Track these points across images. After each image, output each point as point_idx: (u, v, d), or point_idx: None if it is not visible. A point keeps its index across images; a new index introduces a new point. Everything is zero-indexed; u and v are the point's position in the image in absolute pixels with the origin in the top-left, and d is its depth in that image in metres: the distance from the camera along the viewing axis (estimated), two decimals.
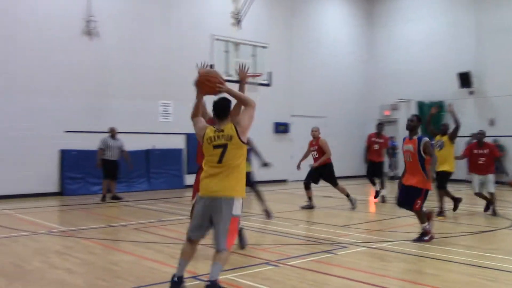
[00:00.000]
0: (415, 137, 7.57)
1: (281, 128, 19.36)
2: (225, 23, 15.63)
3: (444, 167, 10.22)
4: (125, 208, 11.95)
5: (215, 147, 4.92)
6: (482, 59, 19.42)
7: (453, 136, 10.45)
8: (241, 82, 5.56)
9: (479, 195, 10.56)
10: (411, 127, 7.67)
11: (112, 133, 13.37)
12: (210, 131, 4.98)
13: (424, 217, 7.57)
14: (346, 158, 19.76)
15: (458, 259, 6.50)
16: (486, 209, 10.61)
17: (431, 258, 6.62)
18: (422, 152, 7.43)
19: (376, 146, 12.86)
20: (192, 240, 5.01)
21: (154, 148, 16.05)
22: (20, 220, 9.97)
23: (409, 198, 7.56)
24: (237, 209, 4.93)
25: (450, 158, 10.40)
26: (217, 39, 14.16)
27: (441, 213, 10.21)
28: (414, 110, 21.20)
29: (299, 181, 17.39)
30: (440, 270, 5.97)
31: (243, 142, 4.95)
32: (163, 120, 16.48)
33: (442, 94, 20.43)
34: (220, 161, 4.91)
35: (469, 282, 5.49)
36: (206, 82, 5.17)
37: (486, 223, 9.64)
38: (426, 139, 7.51)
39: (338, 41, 21.83)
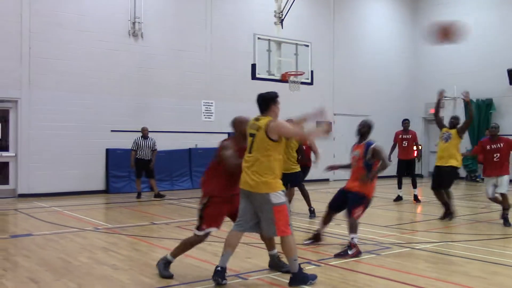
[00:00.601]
0: (364, 142, 7.05)
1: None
2: (267, 22, 15.57)
3: (452, 162, 9.54)
4: (168, 206, 12.13)
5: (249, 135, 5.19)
6: None
7: (463, 130, 9.73)
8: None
9: (494, 199, 9.52)
10: (362, 132, 7.19)
11: (144, 133, 13.58)
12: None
13: (355, 228, 6.77)
14: (392, 157, 19.39)
15: (505, 262, 6.29)
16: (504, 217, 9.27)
17: (479, 260, 6.42)
18: (367, 159, 6.88)
19: (404, 143, 12.58)
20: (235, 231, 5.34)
21: (197, 147, 16.23)
22: (68, 217, 10.27)
23: (348, 204, 6.90)
24: (276, 198, 5.03)
25: (456, 152, 9.65)
26: (259, 38, 14.14)
27: (448, 214, 9.55)
28: (460, 108, 20.65)
29: (340, 180, 17.22)
30: (488, 273, 5.79)
31: (269, 139, 5.04)
32: (206, 119, 16.66)
33: (490, 91, 19.80)
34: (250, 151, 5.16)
35: None
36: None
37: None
38: (375, 145, 6.96)
39: (382, 38, 21.50)
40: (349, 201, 6.89)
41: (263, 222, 5.11)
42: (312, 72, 14.63)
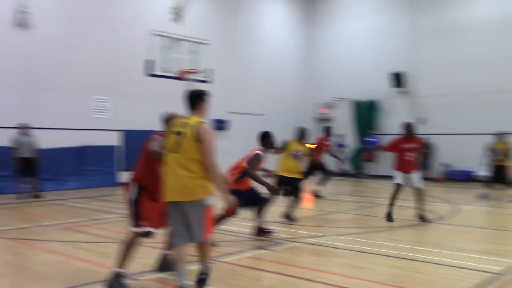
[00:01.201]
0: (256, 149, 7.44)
1: (219, 126, 19.30)
2: (164, 18, 15.36)
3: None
4: (54, 207, 11.51)
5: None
6: (415, 59, 20.18)
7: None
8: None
9: (399, 188, 9.51)
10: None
11: (23, 129, 12.81)
12: None
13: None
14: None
15: (388, 253, 6.71)
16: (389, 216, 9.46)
17: (364, 252, 6.79)
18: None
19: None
20: None
21: (87, 145, 15.52)
22: None
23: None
24: (208, 201, 4.91)
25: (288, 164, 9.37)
26: (156, 34, 13.88)
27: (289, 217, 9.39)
28: (348, 109, 21.78)
29: None
30: (372, 264, 6.13)
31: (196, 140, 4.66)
32: (97, 116, 16.00)
33: (376, 93, 21.07)
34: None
35: (397, 275, 5.68)
36: None
37: (414, 217, 9.98)
38: (257, 153, 7.30)
39: (277, 40, 22.04)
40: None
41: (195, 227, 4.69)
42: (209, 70, 14.65)
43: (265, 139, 7.63)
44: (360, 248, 7.03)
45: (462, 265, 6.06)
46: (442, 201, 12.98)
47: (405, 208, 11.44)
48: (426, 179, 19.42)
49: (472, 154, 18.09)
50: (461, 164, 18.81)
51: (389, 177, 18.43)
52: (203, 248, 4.90)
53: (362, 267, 6.01)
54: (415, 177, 9.45)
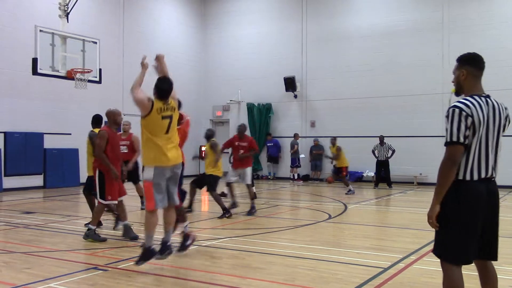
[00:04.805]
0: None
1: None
2: (51, 14, 14.53)
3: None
4: None
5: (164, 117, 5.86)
6: (305, 65, 21.01)
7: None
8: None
9: (228, 185, 10.87)
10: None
11: None
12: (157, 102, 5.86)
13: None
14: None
15: (282, 252, 6.91)
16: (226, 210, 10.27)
17: (258, 252, 6.94)
18: None
19: (241, 151, 12.93)
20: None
21: None
22: None
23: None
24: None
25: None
26: (42, 31, 13.09)
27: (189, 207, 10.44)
28: (244, 112, 22.15)
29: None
30: (266, 264, 6.28)
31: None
32: None
33: (270, 97, 21.64)
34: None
35: (291, 273, 5.86)
36: None
37: (307, 217, 10.40)
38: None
39: (172, 40, 21.82)
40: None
41: (173, 192, 6.00)
42: (100, 70, 14.17)
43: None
44: (255, 248, 7.17)
45: (352, 262, 6.41)
46: (332, 200, 13.62)
47: (297, 208, 11.87)
48: (317, 180, 20.42)
49: (360, 155, 19.26)
50: (349, 166, 19.87)
51: (287, 179, 18.97)
52: (177, 213, 6.30)
53: (257, 267, 6.14)
54: (246, 173, 10.72)
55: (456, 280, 3.49)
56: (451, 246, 3.50)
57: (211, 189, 10.12)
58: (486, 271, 3.69)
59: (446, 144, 3.46)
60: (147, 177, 5.82)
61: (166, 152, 5.80)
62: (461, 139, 3.41)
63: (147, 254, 5.83)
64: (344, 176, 15.57)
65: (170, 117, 5.88)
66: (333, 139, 16.10)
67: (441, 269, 3.60)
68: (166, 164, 5.81)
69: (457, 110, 3.42)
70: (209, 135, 10.57)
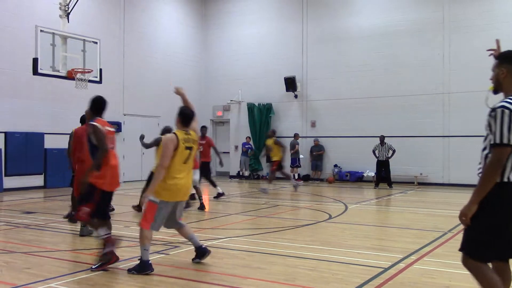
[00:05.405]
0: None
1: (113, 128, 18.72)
2: (51, 14, 14.55)
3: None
4: None
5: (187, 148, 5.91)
6: (306, 65, 21.00)
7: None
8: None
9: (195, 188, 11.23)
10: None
11: None
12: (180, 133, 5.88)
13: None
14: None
15: (282, 252, 6.91)
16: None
17: (259, 252, 6.94)
18: None
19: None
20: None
21: None
22: None
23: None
24: None
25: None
26: (42, 31, 13.09)
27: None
28: (244, 112, 22.15)
29: (132, 181, 17.00)
30: (266, 264, 6.28)
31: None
32: None
33: (270, 97, 21.64)
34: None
35: (291, 273, 5.86)
36: None
37: (308, 217, 10.40)
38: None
39: (172, 40, 21.83)
40: None
41: (179, 214, 6.19)
42: (101, 70, 14.18)
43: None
44: (256, 248, 7.17)
45: (353, 262, 6.41)
46: (333, 200, 13.62)
47: (297, 208, 11.88)
48: (317, 180, 20.39)
49: (360, 155, 19.27)
50: (350, 165, 19.88)
51: (282, 179, 18.97)
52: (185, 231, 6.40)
53: (258, 267, 6.14)
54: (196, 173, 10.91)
55: (493, 277, 3.47)
56: (482, 244, 3.47)
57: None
58: (504, 273, 3.67)
59: (495, 145, 3.36)
60: (153, 199, 5.80)
61: (180, 188, 5.87)
62: (511, 141, 3.33)
63: (143, 266, 5.73)
64: (272, 171, 15.75)
65: (191, 148, 5.96)
66: (271, 132, 16.25)
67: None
68: (174, 200, 5.93)
69: (507, 112, 3.33)
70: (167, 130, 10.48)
